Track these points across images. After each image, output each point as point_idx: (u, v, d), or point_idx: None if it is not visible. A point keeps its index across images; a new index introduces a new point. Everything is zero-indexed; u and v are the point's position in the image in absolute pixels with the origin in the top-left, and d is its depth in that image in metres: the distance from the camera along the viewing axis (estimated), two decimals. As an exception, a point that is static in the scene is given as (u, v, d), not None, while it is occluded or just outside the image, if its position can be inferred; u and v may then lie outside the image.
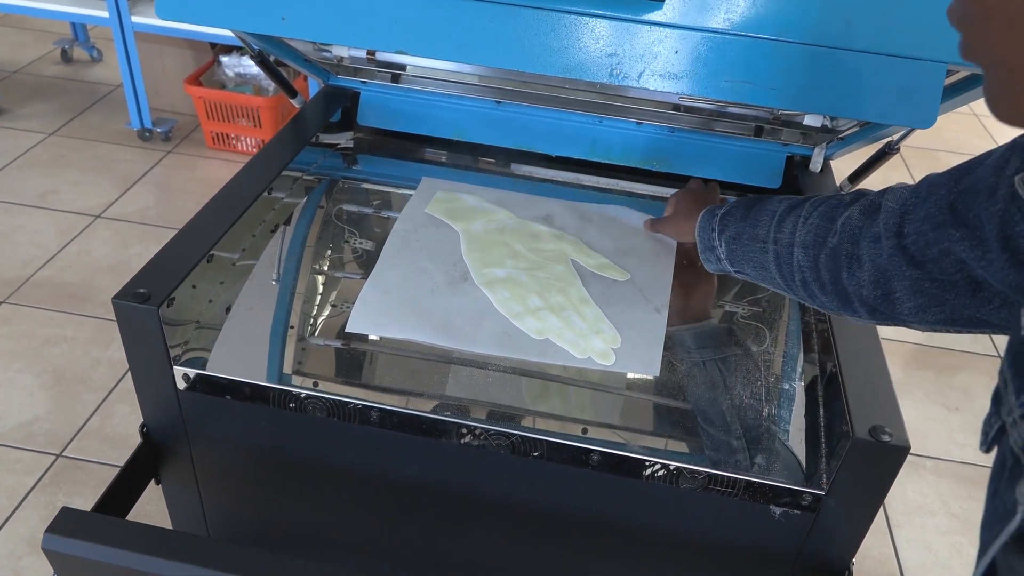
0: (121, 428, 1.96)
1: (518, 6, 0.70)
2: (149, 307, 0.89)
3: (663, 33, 0.70)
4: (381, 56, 1.27)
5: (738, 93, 0.70)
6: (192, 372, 0.94)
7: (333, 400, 0.92)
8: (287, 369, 1.02)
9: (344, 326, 0.99)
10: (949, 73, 0.74)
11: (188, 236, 1.01)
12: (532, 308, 1.00)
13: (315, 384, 0.95)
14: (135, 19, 2.77)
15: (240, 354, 0.98)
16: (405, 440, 0.93)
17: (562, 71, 0.72)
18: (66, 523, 0.86)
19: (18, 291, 2.35)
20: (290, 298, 1.11)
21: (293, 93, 1.30)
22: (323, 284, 1.14)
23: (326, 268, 1.15)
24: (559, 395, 0.96)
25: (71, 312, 2.28)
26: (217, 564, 0.83)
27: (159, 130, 3.08)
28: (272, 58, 1.21)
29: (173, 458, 1.04)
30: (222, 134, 3.05)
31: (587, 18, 0.70)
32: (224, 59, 3.04)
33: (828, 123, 1.22)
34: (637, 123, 1.30)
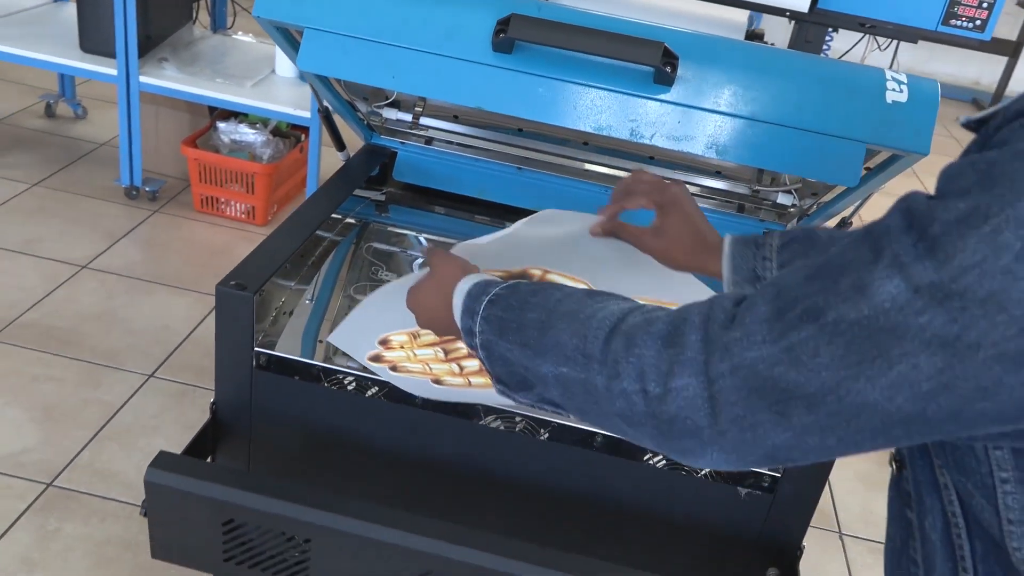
0: (111, 464, 2.24)
1: (570, 82, 1.12)
2: (246, 294, 1.25)
3: (670, 108, 1.12)
4: (423, 121, 1.69)
5: (721, 154, 1.11)
6: (267, 353, 1.29)
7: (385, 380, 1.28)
8: (341, 358, 1.38)
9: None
10: (869, 152, 1.17)
11: (267, 247, 1.38)
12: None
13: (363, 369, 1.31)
14: (142, 79, 3.20)
15: (304, 343, 1.34)
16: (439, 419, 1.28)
17: (596, 128, 1.12)
18: (166, 462, 1.19)
19: (4, 330, 2.65)
20: (341, 304, 1.48)
21: (342, 147, 1.70)
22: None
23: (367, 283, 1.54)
24: None
25: (59, 354, 2.59)
26: (293, 499, 1.16)
27: (147, 189, 3.46)
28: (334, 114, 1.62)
29: (232, 436, 1.37)
30: (212, 198, 3.44)
31: (616, 93, 1.12)
32: (221, 125, 3.47)
33: (796, 202, 1.65)
34: (638, 194, 1.72)
